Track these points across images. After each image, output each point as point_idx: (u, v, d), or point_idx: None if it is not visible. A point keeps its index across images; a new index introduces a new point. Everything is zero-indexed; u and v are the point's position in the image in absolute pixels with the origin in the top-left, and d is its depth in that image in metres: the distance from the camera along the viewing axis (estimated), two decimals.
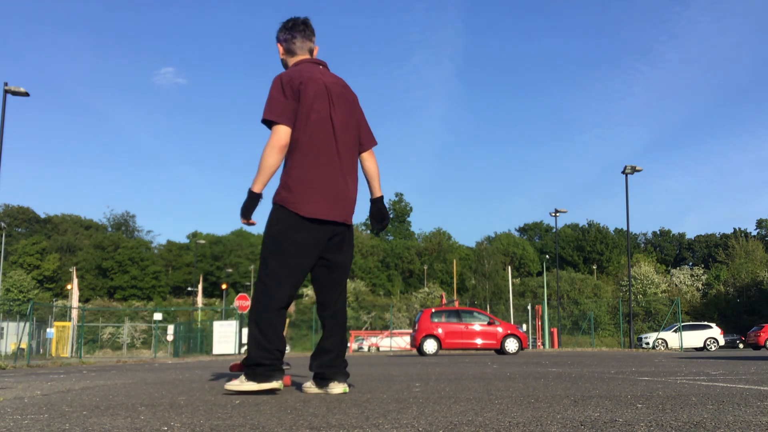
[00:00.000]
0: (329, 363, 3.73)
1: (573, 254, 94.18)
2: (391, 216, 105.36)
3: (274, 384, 3.54)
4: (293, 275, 3.56)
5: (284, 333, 3.71)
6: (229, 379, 4.53)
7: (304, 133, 3.55)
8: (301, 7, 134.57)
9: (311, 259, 3.62)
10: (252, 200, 3.63)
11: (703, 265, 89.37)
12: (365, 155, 3.86)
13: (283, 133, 3.52)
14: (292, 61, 3.84)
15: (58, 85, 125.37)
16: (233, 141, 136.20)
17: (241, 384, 3.57)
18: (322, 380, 3.75)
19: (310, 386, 3.85)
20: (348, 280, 3.96)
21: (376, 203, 3.91)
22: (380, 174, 3.96)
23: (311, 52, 3.87)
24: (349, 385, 3.84)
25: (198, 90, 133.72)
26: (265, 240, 3.64)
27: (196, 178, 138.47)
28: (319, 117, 3.57)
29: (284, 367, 3.84)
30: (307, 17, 3.88)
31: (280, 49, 3.90)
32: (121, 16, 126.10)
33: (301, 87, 3.55)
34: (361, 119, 3.86)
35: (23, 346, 24.80)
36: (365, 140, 3.85)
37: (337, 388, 3.66)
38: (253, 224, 3.68)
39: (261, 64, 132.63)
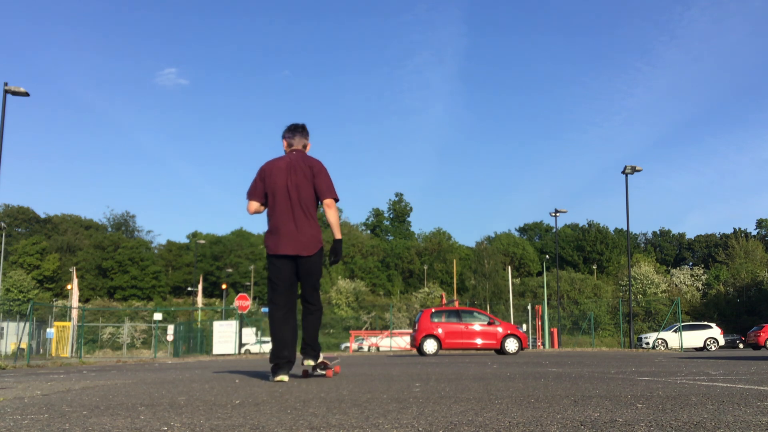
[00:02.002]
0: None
1: (573, 254, 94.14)
2: (391, 216, 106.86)
3: (279, 378, 4.99)
4: (278, 293, 5.23)
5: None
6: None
7: (270, 200, 5.26)
8: (302, 8, 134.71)
9: (287, 281, 5.23)
10: None
11: (703, 265, 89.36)
12: (325, 205, 5.26)
13: (249, 204, 5.33)
14: (288, 150, 5.46)
15: (60, 85, 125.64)
16: (234, 142, 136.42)
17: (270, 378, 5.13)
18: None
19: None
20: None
21: (334, 243, 5.37)
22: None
23: (304, 146, 5.49)
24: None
25: (200, 91, 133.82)
26: None
27: (197, 179, 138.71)
28: (277, 187, 5.22)
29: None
30: (304, 123, 5.55)
31: (284, 143, 5.49)
32: (123, 17, 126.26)
33: (266, 173, 5.29)
34: (320, 180, 5.24)
35: (23, 346, 24.79)
36: (321, 195, 5.23)
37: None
38: None
39: (263, 66, 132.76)
